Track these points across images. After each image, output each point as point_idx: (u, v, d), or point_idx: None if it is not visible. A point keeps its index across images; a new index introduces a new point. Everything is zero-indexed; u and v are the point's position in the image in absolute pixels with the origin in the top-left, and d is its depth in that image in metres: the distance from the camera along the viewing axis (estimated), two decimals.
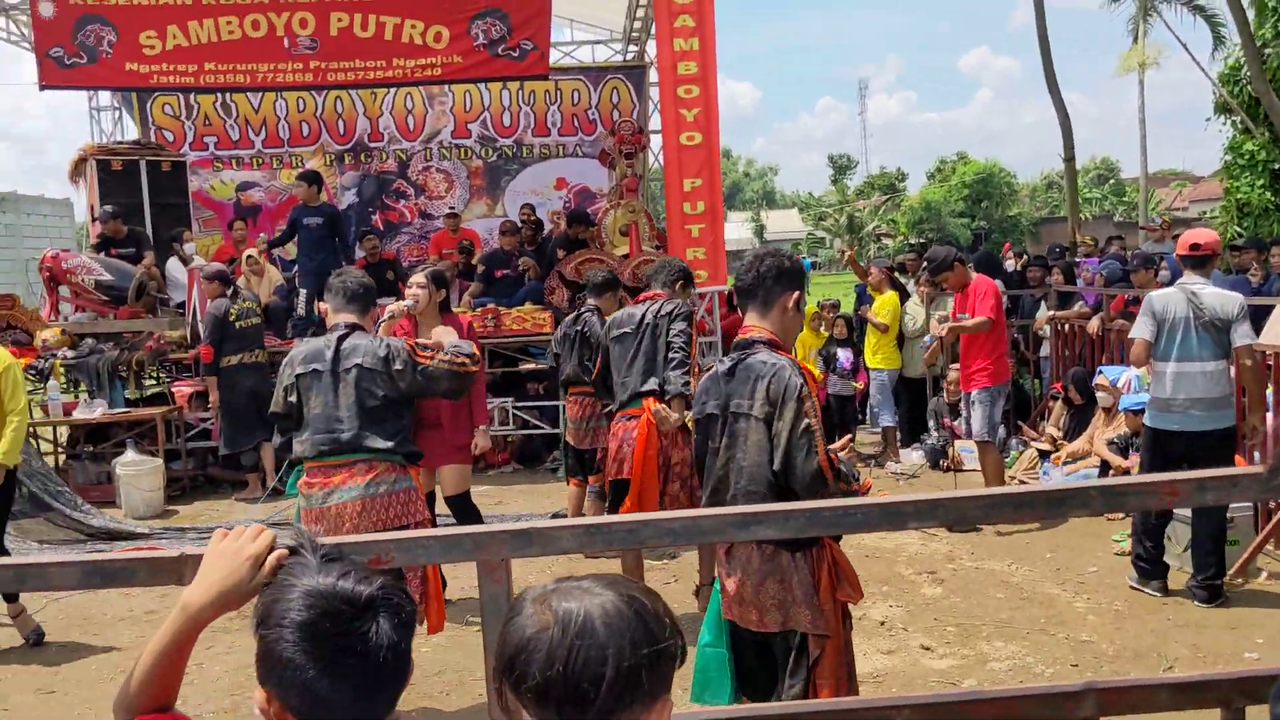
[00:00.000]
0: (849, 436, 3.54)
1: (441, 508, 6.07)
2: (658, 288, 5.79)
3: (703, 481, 3.42)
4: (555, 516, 7.85)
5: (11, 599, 5.71)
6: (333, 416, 4.13)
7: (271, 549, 1.52)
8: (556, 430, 9.75)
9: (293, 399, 4.24)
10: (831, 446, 3.15)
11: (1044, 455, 8.79)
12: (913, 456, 9.68)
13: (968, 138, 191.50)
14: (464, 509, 6.00)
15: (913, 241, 50.72)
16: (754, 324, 3.30)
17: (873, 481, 8.66)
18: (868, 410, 10.55)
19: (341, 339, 4.21)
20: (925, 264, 8.41)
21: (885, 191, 63.30)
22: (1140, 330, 5.82)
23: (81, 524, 7.97)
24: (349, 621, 1.30)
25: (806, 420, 3.06)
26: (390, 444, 4.15)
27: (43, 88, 10.02)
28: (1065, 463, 8.28)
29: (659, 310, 5.60)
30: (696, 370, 5.48)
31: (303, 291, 10.46)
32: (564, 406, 8.29)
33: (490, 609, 1.55)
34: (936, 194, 56.75)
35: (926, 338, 9.02)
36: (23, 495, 7.39)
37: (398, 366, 4.13)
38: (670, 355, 5.42)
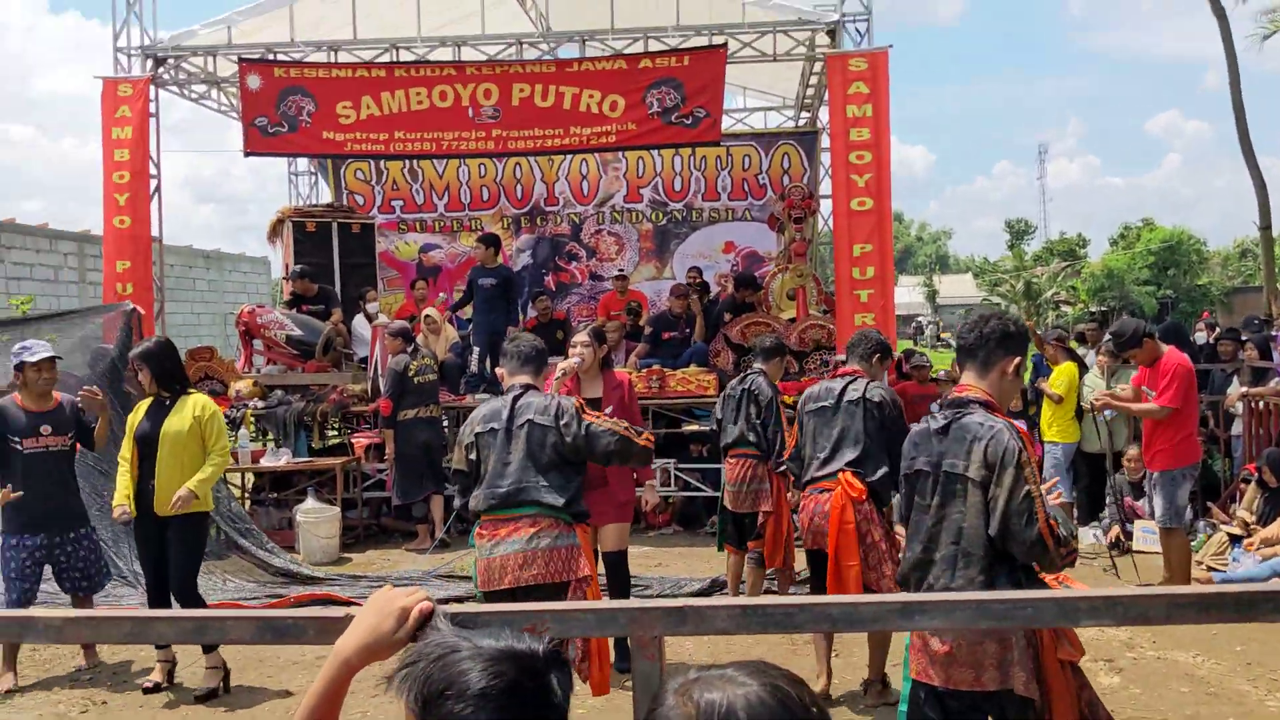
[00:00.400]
0: (1055, 481, 3.45)
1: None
2: (855, 363, 5.69)
3: (908, 537, 3.43)
4: (714, 583, 7.79)
5: (209, 649, 5.78)
6: (504, 472, 4.33)
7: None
8: (718, 493, 9.70)
9: (473, 456, 4.47)
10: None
11: (1235, 540, 8.23)
12: (1089, 536, 9.22)
13: (1154, 203, 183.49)
14: (618, 568, 6.02)
15: (1093, 310, 48.84)
16: (971, 384, 3.34)
17: None
18: None
19: (517, 399, 4.43)
20: (1110, 338, 8.00)
21: (1065, 258, 61.24)
22: None
23: (265, 563, 8.35)
24: (540, 677, 1.29)
25: (1026, 487, 3.02)
26: (559, 501, 4.29)
27: (247, 154, 10.73)
28: (1258, 548, 7.74)
29: (864, 393, 5.47)
30: None
31: (476, 349, 10.81)
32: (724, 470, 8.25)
33: (642, 685, 1.54)
34: (1120, 261, 54.52)
35: (1107, 412, 8.63)
36: (213, 537, 7.78)
37: (565, 422, 4.30)
38: (895, 459, 5.36)
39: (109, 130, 10.37)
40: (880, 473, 5.38)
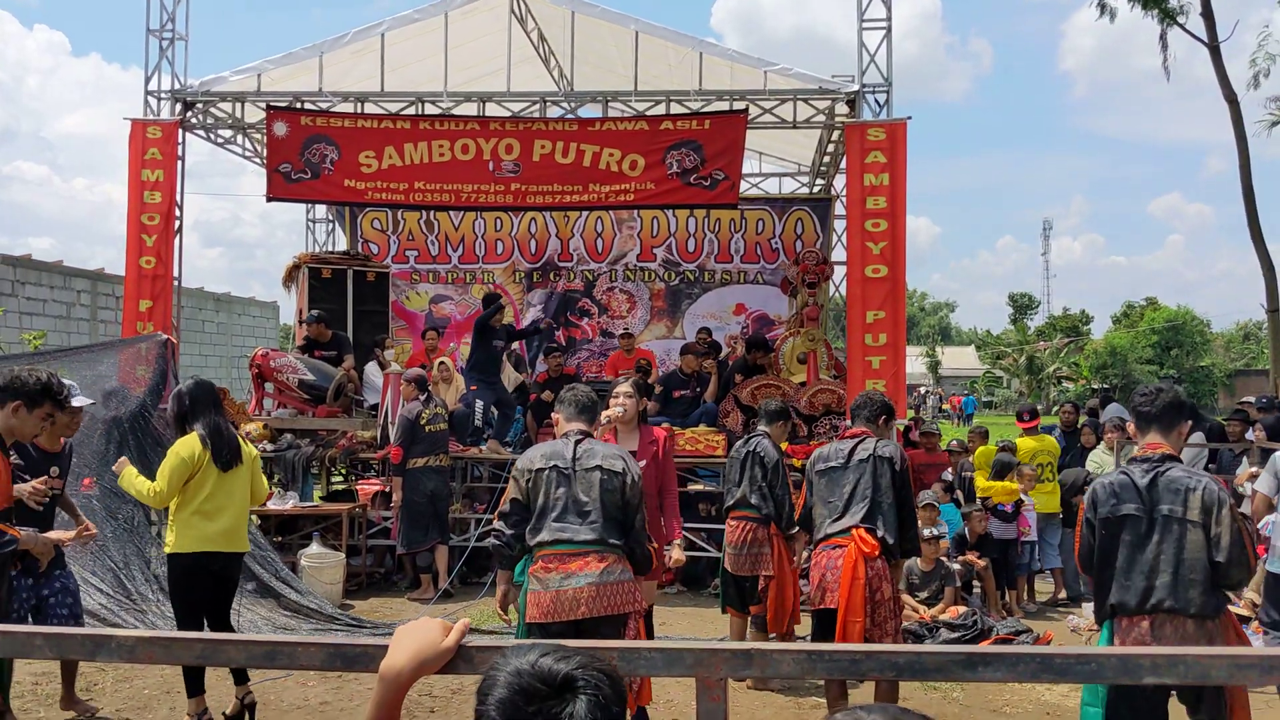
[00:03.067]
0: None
1: None
2: (862, 424, 5.81)
3: (1104, 569, 4.19)
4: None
5: (196, 689, 5.79)
6: (573, 510, 4.53)
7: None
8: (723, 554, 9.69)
9: (520, 494, 4.65)
10: None
11: (1244, 621, 8.20)
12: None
13: (1157, 283, 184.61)
14: (646, 622, 6.03)
15: (1095, 386, 48.92)
16: (1159, 443, 4.23)
17: (1052, 634, 8.29)
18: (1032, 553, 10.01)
19: (578, 443, 4.67)
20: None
21: (1068, 334, 61.50)
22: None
23: (280, 595, 8.28)
24: (543, 700, 1.33)
25: (1237, 524, 3.97)
26: (621, 541, 4.56)
27: (270, 199, 10.85)
28: (1267, 632, 7.71)
29: (874, 451, 5.59)
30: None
31: (480, 402, 10.86)
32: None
33: None
34: (1123, 339, 54.78)
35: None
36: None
37: (629, 480, 4.59)
38: (907, 514, 5.59)
39: (136, 171, 10.50)
40: (893, 528, 5.45)
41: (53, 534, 5.22)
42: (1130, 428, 4.62)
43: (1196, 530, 3.99)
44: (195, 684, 5.77)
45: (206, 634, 2.07)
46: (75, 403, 5.76)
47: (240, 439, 6.01)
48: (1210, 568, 3.97)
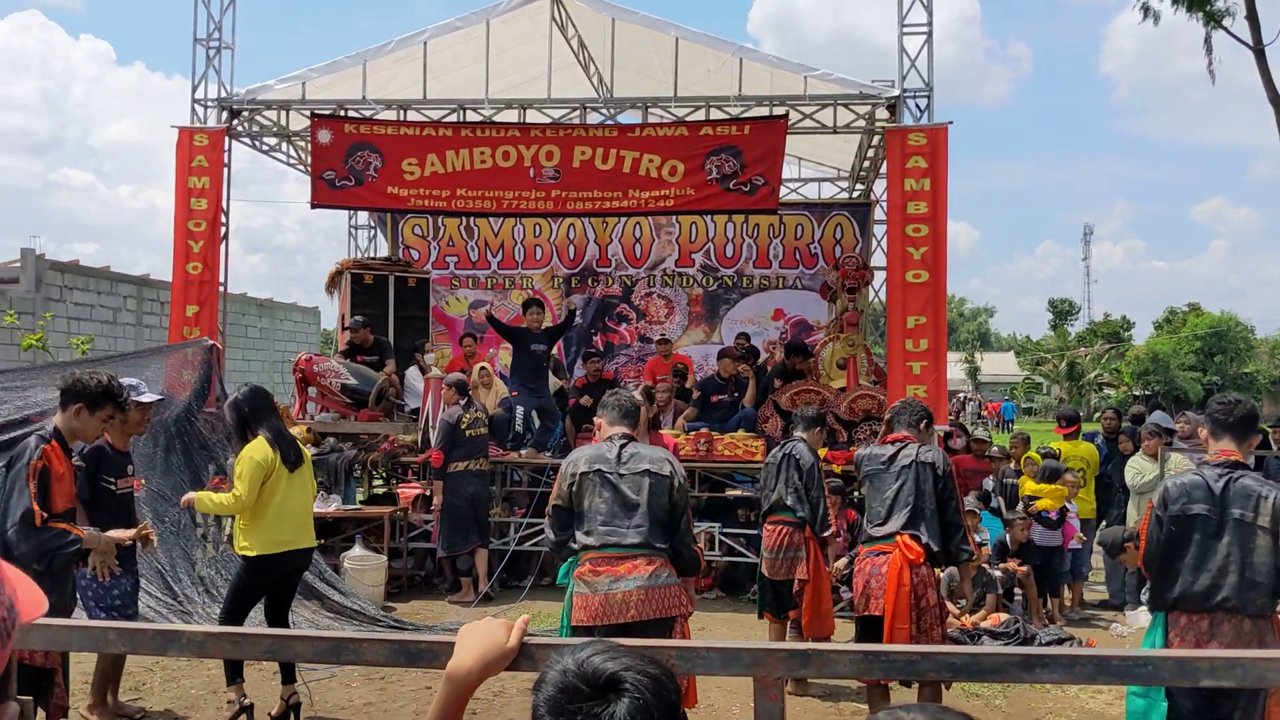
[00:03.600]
0: None
1: None
2: (903, 429, 5.81)
3: (1169, 562, 4.38)
4: None
5: (235, 676, 5.90)
6: (620, 513, 4.55)
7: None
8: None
9: (569, 496, 4.69)
10: None
11: None
12: (1141, 618, 9.08)
13: (1200, 289, 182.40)
14: None
15: (1138, 393, 48.33)
16: (1233, 451, 4.42)
17: (1095, 641, 8.21)
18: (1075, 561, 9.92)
19: (623, 446, 4.69)
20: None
21: (1109, 340, 60.85)
22: None
23: (324, 596, 8.37)
24: (585, 699, 1.34)
25: None
26: (668, 545, 4.57)
27: (314, 206, 10.98)
28: None
29: (918, 456, 5.59)
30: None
31: (520, 408, 10.93)
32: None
33: None
34: (1165, 345, 54.09)
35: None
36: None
37: (676, 483, 4.61)
38: (952, 521, 5.54)
39: (184, 179, 10.66)
40: (936, 534, 5.44)
41: (113, 533, 5.31)
42: (1203, 433, 4.73)
43: (1265, 536, 4.19)
44: (235, 672, 5.89)
45: (273, 630, 2.11)
46: (145, 399, 5.88)
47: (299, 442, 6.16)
48: (1275, 572, 4.18)
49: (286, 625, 6.07)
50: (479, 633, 1.73)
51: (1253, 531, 4.22)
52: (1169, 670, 1.48)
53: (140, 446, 7.91)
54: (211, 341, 9.21)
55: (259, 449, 5.79)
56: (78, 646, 1.92)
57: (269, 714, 5.91)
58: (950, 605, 7.98)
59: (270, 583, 5.95)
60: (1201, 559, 4.29)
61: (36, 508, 4.56)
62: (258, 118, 11.69)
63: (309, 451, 6.30)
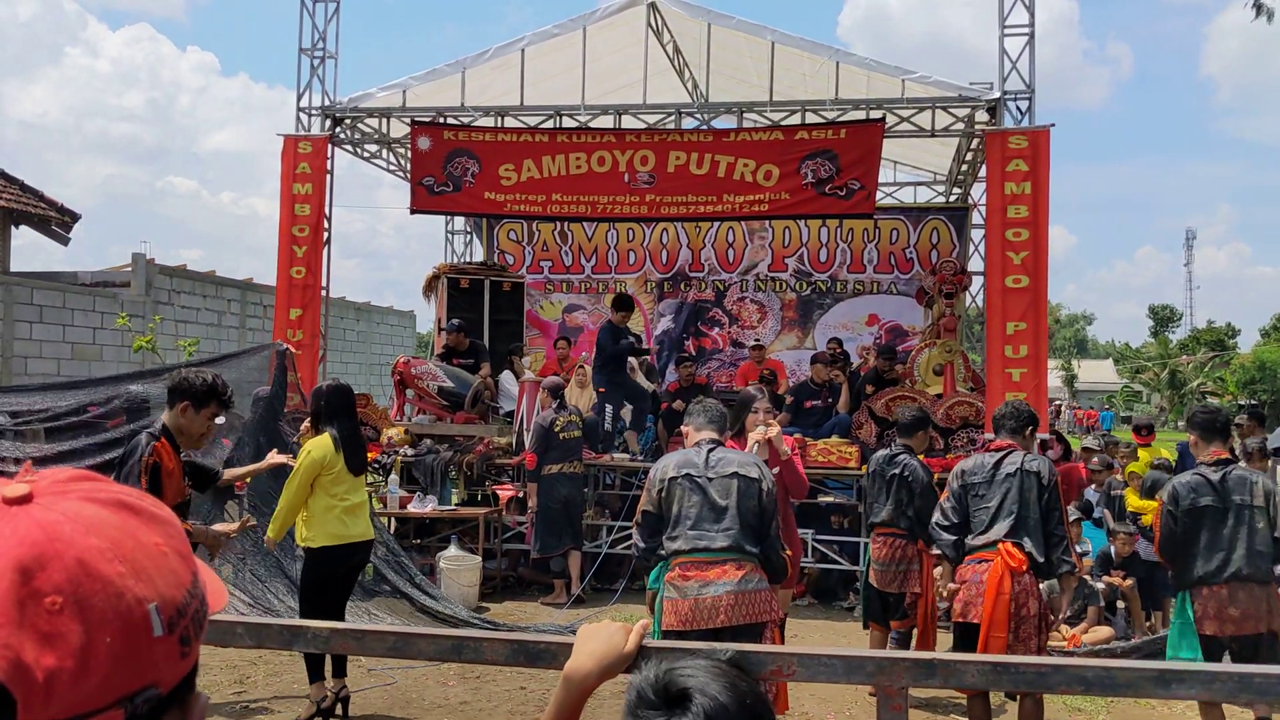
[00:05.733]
0: None
1: None
2: (1006, 436, 5.71)
3: (1185, 550, 5.32)
4: None
5: (317, 674, 6.01)
6: (709, 518, 4.55)
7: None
8: (855, 567, 9.59)
9: (658, 500, 4.70)
10: None
11: None
12: None
13: None
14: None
15: (1243, 402, 46.65)
16: (1222, 451, 5.50)
17: None
18: None
19: (710, 451, 4.71)
20: None
21: (1213, 347, 58.91)
22: None
23: (412, 598, 8.51)
24: (648, 708, 1.33)
25: None
26: (757, 549, 4.56)
27: (414, 211, 11.17)
28: None
29: (1022, 465, 5.49)
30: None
31: (608, 407, 11.00)
32: (865, 545, 8.15)
33: None
34: (1273, 353, 52.13)
35: None
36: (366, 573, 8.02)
37: (765, 487, 4.61)
38: (1054, 532, 5.43)
39: (289, 185, 10.93)
40: (1039, 544, 5.33)
41: (220, 526, 5.48)
42: (1193, 438, 5.67)
43: (1261, 513, 5.21)
44: (317, 671, 6.01)
45: (399, 627, 2.15)
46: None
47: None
48: (1274, 542, 5.19)
49: (341, 619, 6.20)
50: (598, 635, 1.74)
51: (1251, 512, 5.22)
52: None
53: (235, 451, 8.15)
54: (286, 345, 9.39)
55: (320, 445, 5.99)
56: (206, 639, 1.97)
57: (316, 703, 5.97)
58: (1064, 628, 7.79)
59: (332, 576, 6.09)
60: (1214, 541, 5.23)
61: None
62: (360, 125, 11.94)
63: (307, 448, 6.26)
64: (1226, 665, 1.30)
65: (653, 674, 1.38)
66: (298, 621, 1.79)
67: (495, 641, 1.76)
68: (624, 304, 11.41)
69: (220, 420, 5.26)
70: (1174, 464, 10.14)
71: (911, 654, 1.60)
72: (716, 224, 14.01)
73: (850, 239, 14.26)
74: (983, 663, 1.55)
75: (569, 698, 1.69)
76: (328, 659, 6.11)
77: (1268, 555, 5.20)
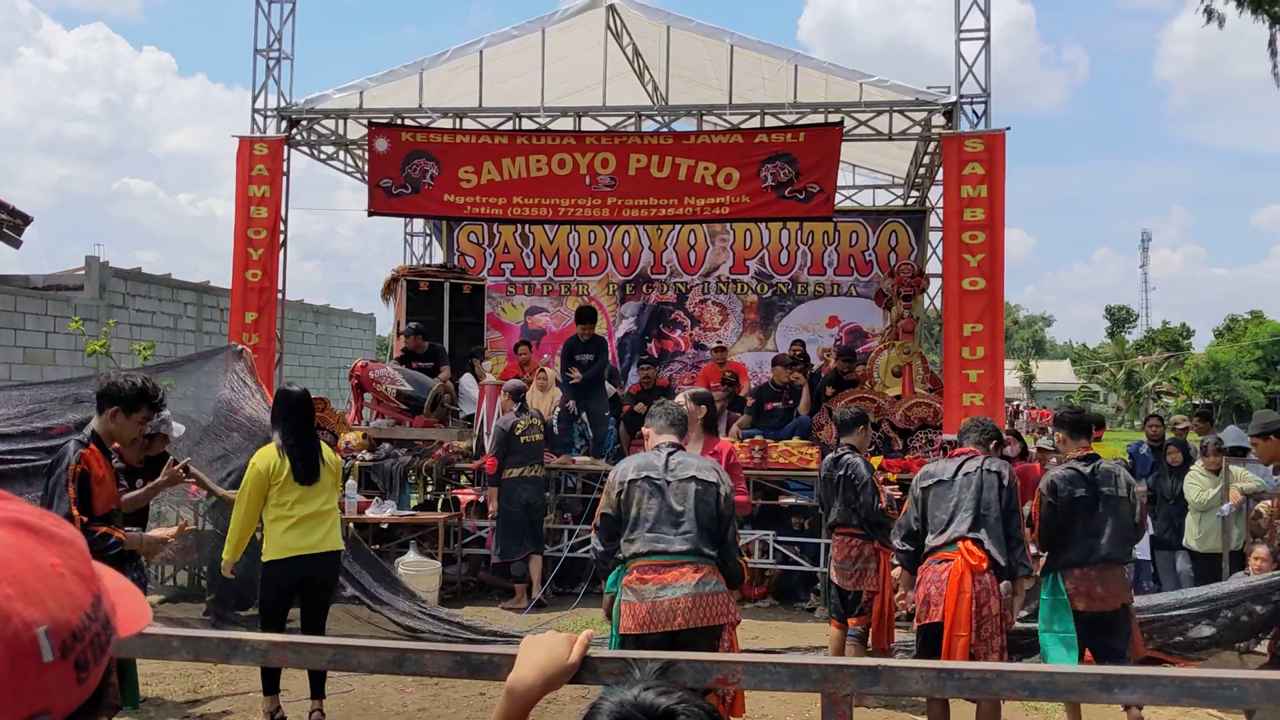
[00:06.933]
0: None
1: None
2: (971, 445, 5.80)
3: (1060, 536, 5.83)
4: None
5: (272, 687, 5.93)
6: (667, 521, 4.55)
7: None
8: (816, 568, 9.61)
9: (618, 504, 4.69)
10: None
11: None
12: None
13: (1263, 296, 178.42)
14: None
15: (1197, 402, 47.34)
16: (1088, 447, 6.06)
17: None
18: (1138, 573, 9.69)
19: (670, 454, 4.71)
20: (1252, 425, 7.84)
21: (1168, 348, 59.72)
22: None
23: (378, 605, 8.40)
24: None
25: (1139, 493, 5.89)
26: (715, 553, 4.55)
27: (371, 213, 11.09)
28: None
29: (984, 465, 5.59)
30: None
31: (559, 410, 11.00)
32: (826, 545, 8.19)
33: None
34: (1227, 354, 52.98)
35: (1226, 506, 8.41)
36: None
37: (723, 492, 4.60)
38: (1013, 535, 5.54)
39: (244, 187, 10.81)
40: (1000, 542, 5.39)
41: (157, 531, 5.39)
42: (1060, 436, 6.26)
43: (1125, 503, 5.83)
44: (272, 684, 5.92)
45: (337, 639, 2.12)
46: (174, 433, 5.98)
47: (324, 446, 6.09)
48: (1134, 528, 5.97)
49: (321, 634, 6.04)
50: (541, 647, 1.72)
51: (1117, 502, 5.80)
52: (1256, 693, 1.43)
53: (204, 452, 8.04)
54: (240, 347, 9.25)
55: (264, 457, 5.82)
56: (141, 653, 1.93)
57: (268, 713, 5.89)
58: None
59: (288, 588, 5.90)
60: (1087, 528, 5.78)
61: (76, 512, 4.60)
62: (316, 127, 11.83)
63: (337, 456, 6.21)
64: (1168, 670, 1.31)
65: (630, 699, 1.37)
66: (235, 634, 1.75)
67: (438, 653, 1.73)
68: (581, 316, 11.45)
69: (179, 431, 5.20)
70: (1128, 462, 10.24)
71: (856, 661, 1.60)
72: (678, 226, 14.01)
73: (810, 241, 14.31)
74: (927, 669, 1.55)
75: (512, 710, 1.68)
76: (305, 674, 6.02)
77: (1128, 540, 5.95)
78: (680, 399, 6.01)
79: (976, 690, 1.57)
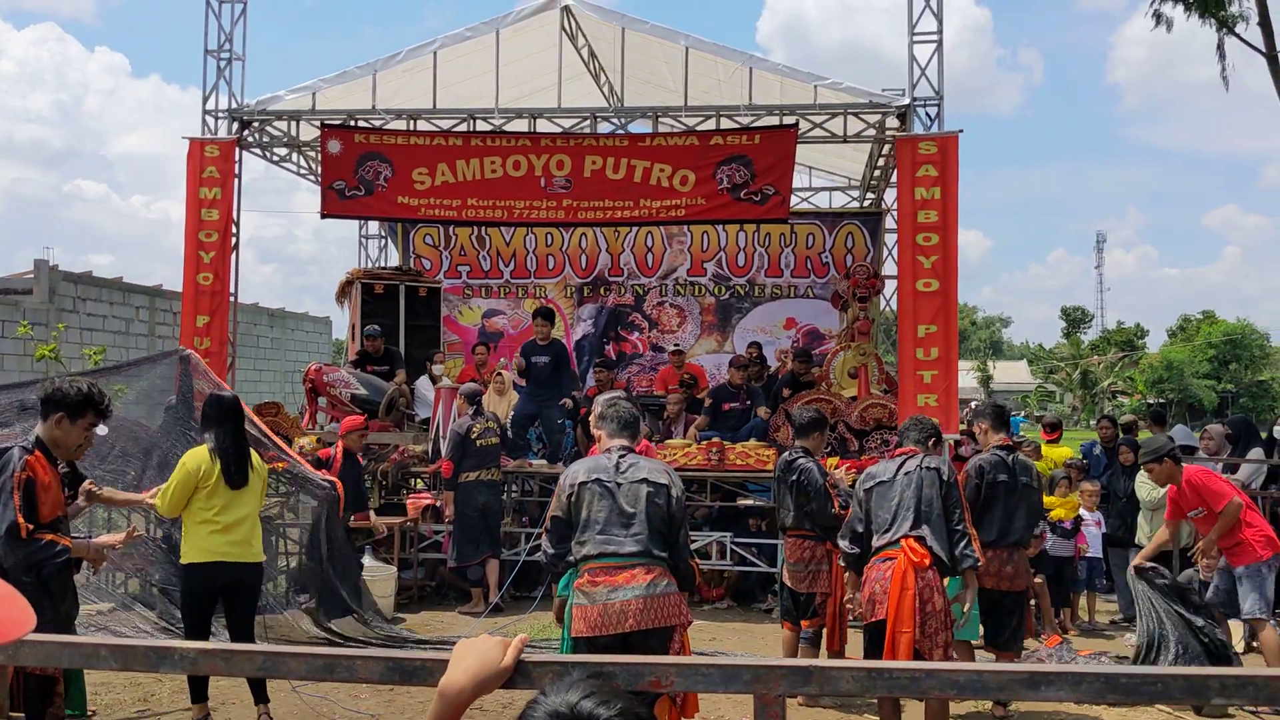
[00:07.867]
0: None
1: None
2: (911, 444, 5.86)
3: (981, 516, 6.31)
4: None
5: (200, 695, 5.90)
6: (618, 523, 4.55)
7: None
8: (773, 569, 9.64)
9: (569, 507, 4.69)
10: None
11: None
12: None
13: (1215, 296, 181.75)
14: None
15: (1151, 401, 48.07)
16: (1006, 439, 6.80)
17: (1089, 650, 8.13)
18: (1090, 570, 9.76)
19: (622, 457, 4.71)
20: (1141, 450, 7.92)
21: (1122, 348, 60.59)
22: None
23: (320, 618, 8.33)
24: None
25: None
26: (666, 554, 4.57)
27: (324, 215, 10.99)
28: None
29: (923, 463, 5.64)
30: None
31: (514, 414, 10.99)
32: (782, 547, 8.20)
33: None
34: (1180, 353, 53.81)
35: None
36: (272, 591, 7.85)
37: (674, 494, 4.63)
38: (956, 528, 5.55)
39: (195, 190, 10.68)
40: (942, 537, 5.43)
41: (104, 538, 5.31)
42: (983, 426, 6.76)
43: (1034, 491, 6.61)
44: (199, 692, 5.87)
45: (267, 646, 2.09)
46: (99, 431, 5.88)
47: (253, 453, 6.03)
48: (1039, 514, 6.78)
49: (250, 641, 5.97)
50: (474, 651, 1.71)
51: (1030, 490, 6.54)
52: (1179, 689, 1.45)
53: (137, 460, 7.92)
54: (188, 351, 9.10)
55: (194, 457, 5.77)
56: (69, 662, 1.90)
57: None
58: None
59: (208, 593, 5.84)
60: (1004, 512, 6.40)
61: (21, 520, 4.54)
62: (268, 128, 11.72)
63: (264, 465, 6.12)
64: (1093, 666, 1.32)
65: (564, 709, 1.36)
66: (164, 643, 1.72)
67: (369, 660, 1.71)
68: (539, 314, 11.45)
69: (103, 431, 5.10)
70: (1081, 462, 10.36)
71: (788, 662, 1.59)
72: (635, 229, 14.01)
73: (767, 244, 14.36)
74: (857, 669, 1.55)
75: (444, 712, 1.67)
76: (249, 681, 5.95)
77: (1032, 526, 6.71)
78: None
79: (906, 689, 1.58)
